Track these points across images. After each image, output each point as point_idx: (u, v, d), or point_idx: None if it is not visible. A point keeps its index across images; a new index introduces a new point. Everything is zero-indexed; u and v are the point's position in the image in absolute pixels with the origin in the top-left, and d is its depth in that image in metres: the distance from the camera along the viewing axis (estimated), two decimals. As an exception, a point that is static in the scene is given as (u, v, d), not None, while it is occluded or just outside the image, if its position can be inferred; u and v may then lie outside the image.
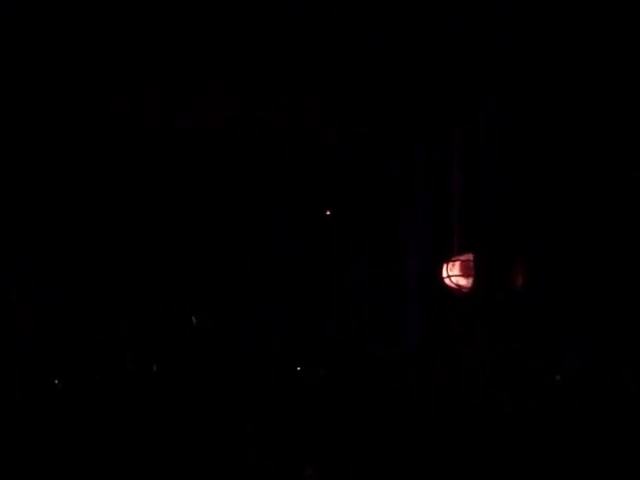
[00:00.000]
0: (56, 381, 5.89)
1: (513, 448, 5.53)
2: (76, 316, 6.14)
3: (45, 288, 6.11)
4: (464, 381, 5.84)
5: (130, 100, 6.20)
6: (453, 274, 5.92)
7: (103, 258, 6.24)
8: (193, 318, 5.91)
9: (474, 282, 5.88)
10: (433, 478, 5.58)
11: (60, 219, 6.22)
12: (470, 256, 5.92)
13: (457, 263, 5.93)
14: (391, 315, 6.31)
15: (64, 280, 6.14)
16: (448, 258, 5.96)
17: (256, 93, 6.13)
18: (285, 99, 6.21)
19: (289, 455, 5.69)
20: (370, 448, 5.73)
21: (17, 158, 6.10)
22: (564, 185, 5.74)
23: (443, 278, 5.93)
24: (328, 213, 6.38)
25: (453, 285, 5.92)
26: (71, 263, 6.19)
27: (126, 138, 6.30)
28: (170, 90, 6.14)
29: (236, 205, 6.40)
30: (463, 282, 5.92)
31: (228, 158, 6.40)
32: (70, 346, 6.06)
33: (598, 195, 5.65)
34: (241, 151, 6.39)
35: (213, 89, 6.20)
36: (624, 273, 5.51)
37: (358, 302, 6.35)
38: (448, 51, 5.86)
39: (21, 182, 6.14)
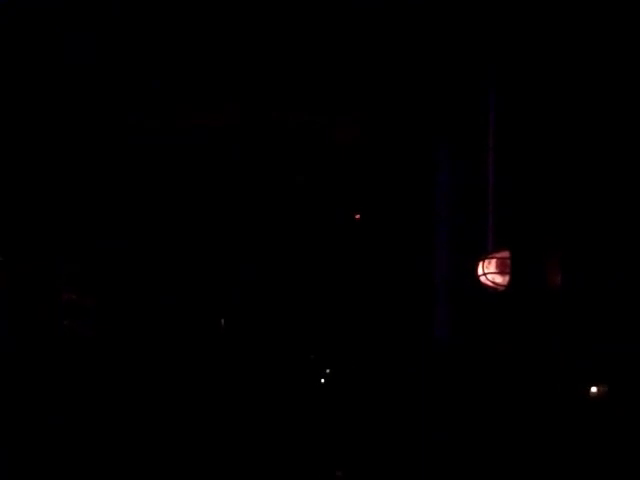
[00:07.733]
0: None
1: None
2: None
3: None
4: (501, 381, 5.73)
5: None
6: (489, 271, 5.79)
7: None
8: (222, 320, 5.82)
9: (510, 280, 5.75)
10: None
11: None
12: (506, 253, 5.79)
13: (493, 260, 5.81)
14: (421, 313, 6.21)
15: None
16: (483, 256, 5.83)
17: (267, 94, 6.08)
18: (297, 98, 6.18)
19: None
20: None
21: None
22: (602, 180, 5.66)
23: (479, 276, 5.80)
24: (357, 217, 6.31)
25: (489, 283, 5.79)
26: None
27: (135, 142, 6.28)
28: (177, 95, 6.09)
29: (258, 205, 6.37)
30: (499, 280, 5.79)
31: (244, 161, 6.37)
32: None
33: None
34: (260, 153, 6.33)
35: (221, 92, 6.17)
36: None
37: (384, 301, 6.26)
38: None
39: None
